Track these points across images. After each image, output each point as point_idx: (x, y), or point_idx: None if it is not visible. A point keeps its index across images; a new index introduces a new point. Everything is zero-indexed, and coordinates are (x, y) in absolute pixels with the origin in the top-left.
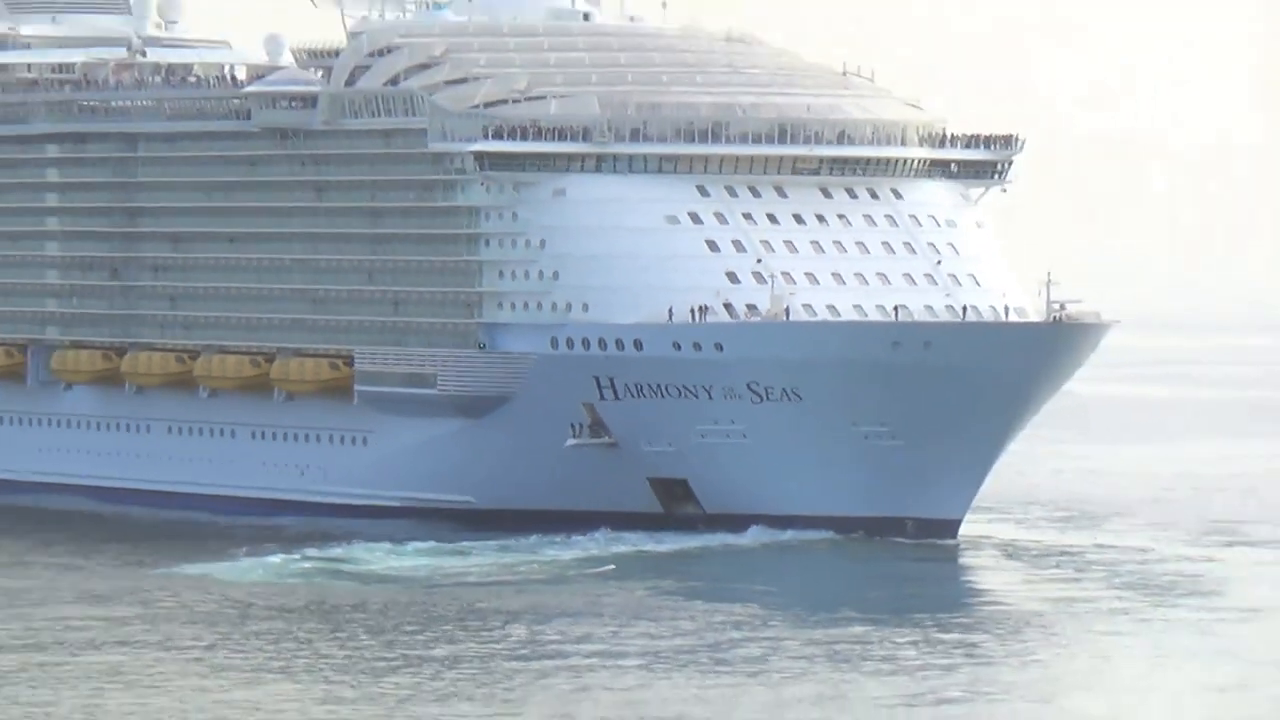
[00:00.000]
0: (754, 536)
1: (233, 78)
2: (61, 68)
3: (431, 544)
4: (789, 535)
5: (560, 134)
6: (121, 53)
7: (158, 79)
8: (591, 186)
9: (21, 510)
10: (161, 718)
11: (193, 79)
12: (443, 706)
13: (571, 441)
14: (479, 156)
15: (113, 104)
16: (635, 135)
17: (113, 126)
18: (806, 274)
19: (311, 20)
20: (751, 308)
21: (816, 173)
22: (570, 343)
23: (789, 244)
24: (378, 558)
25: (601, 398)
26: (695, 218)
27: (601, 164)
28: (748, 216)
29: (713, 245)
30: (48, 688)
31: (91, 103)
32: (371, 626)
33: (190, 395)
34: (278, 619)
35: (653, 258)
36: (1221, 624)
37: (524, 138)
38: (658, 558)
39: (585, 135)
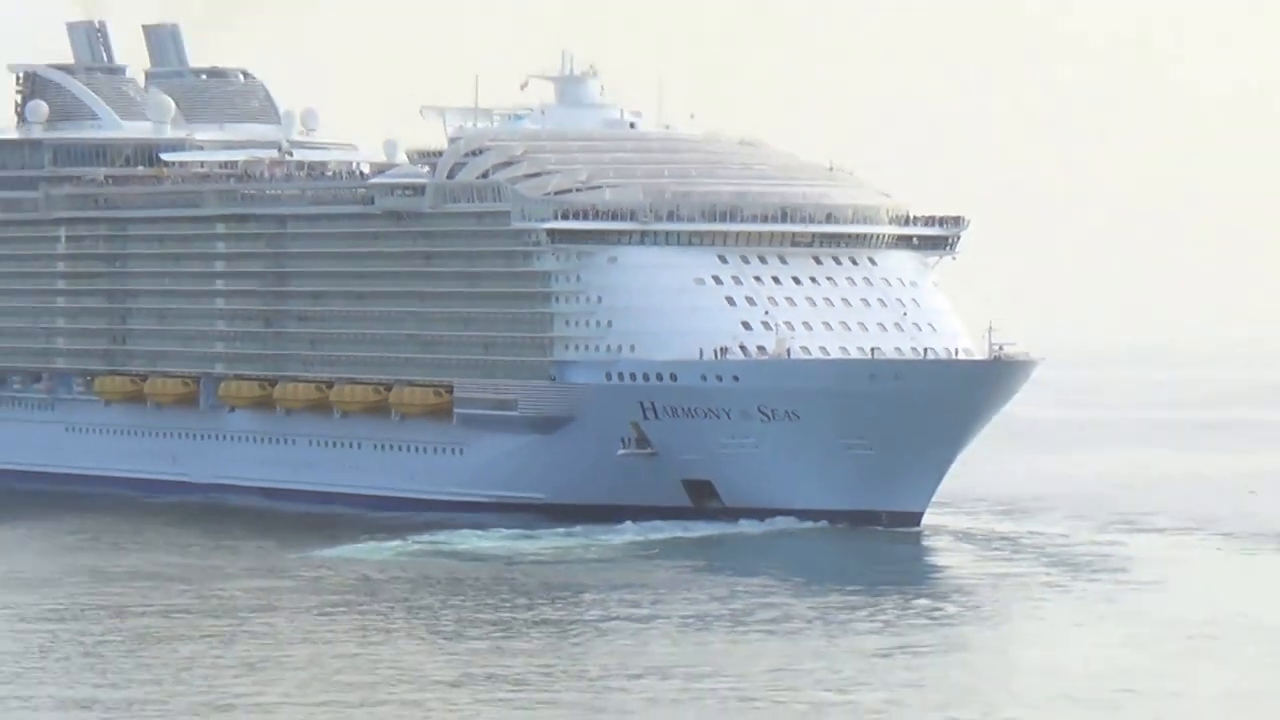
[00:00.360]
0: (763, 526)
1: (360, 172)
2: (227, 164)
3: (512, 531)
4: (790, 524)
5: (613, 215)
6: (273, 153)
7: (301, 173)
8: (636, 255)
9: (196, 507)
10: (304, 670)
11: (328, 173)
12: (528, 659)
13: (621, 451)
14: (550, 233)
15: (267, 192)
16: (670, 216)
17: (267, 209)
18: (803, 323)
19: (420, 128)
20: (760, 349)
21: (810, 245)
22: (621, 376)
23: (789, 300)
24: (470, 541)
25: (645, 418)
26: (717, 279)
27: (644, 238)
28: (757, 279)
29: (730, 300)
30: (219, 643)
31: (250, 191)
32: (467, 595)
33: (326, 416)
34: (395, 589)
35: (684, 310)
36: (1124, 593)
37: (585, 218)
38: (688, 542)
39: (632, 216)
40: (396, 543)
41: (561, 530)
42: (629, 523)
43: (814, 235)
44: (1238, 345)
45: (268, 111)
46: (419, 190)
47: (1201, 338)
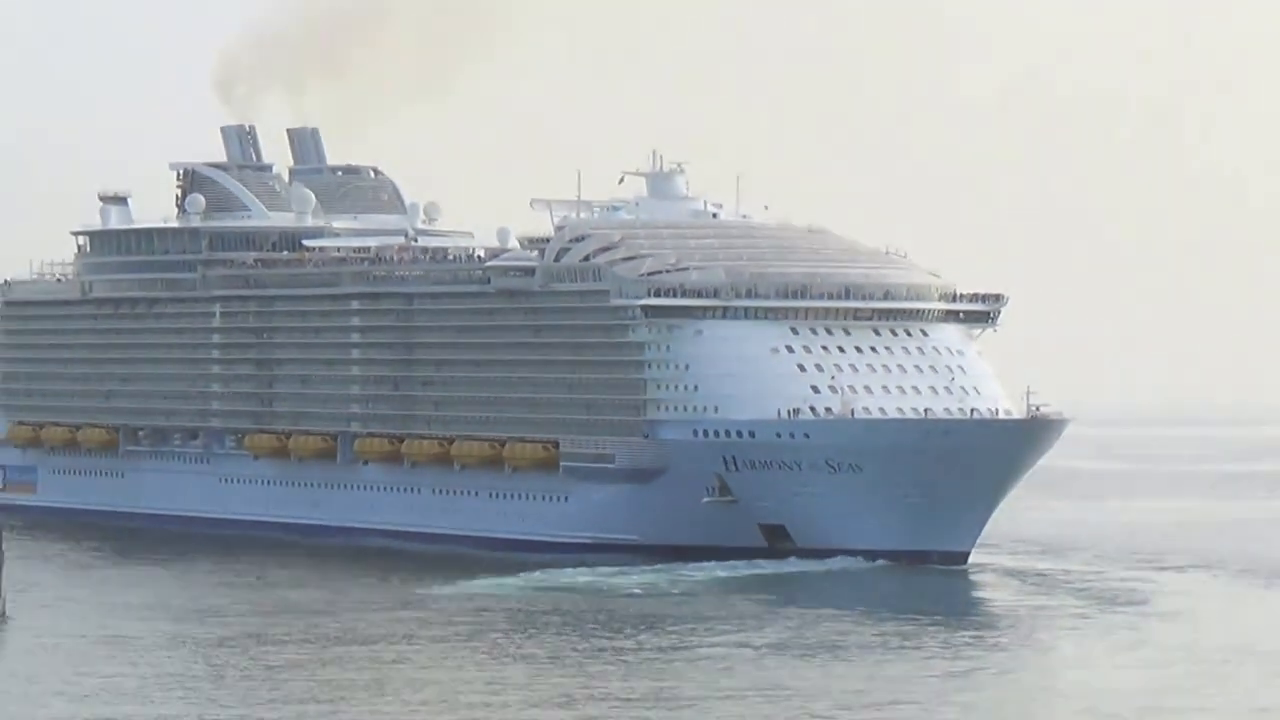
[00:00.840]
0: (829, 564)
1: (476, 256)
2: (361, 250)
3: (609, 569)
4: (852, 562)
5: (699, 293)
6: (401, 239)
7: (426, 257)
8: (719, 328)
9: (333, 548)
10: (430, 690)
11: (449, 257)
12: (627, 681)
13: (706, 499)
14: (644, 309)
15: (396, 274)
16: (749, 294)
17: (396, 289)
18: (864, 387)
19: (528, 218)
20: (828, 409)
21: (870, 319)
22: (706, 433)
23: (852, 367)
24: (572, 577)
25: (727, 469)
26: (789, 349)
27: (726, 313)
28: (824, 348)
29: (801, 367)
30: (354, 668)
31: (381, 273)
32: (572, 624)
33: (447, 468)
34: (509, 619)
35: (761, 376)
36: (1147, 623)
37: (675, 296)
38: (764, 578)
39: (715, 294)
40: (510, 579)
41: (651, 568)
42: (712, 562)
43: (873, 311)
44: (1271, 408)
45: (395, 203)
46: (530, 271)
47: (1236, 399)
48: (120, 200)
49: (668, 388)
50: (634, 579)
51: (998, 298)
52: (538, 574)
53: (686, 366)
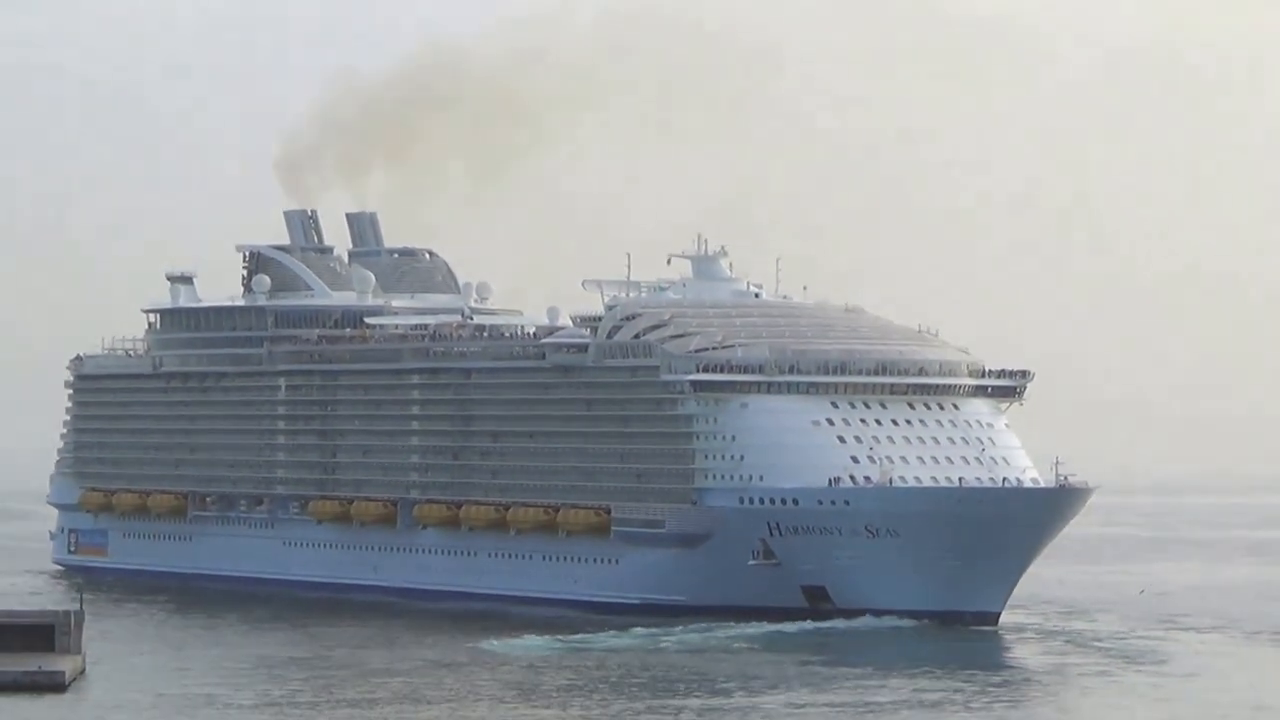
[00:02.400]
0: (867, 623)
1: (530, 333)
2: (419, 327)
3: (649, 631)
4: (890, 621)
5: (744, 369)
6: (457, 318)
7: (482, 334)
8: (764, 402)
9: (392, 607)
10: None
11: (505, 334)
12: None
13: (752, 562)
14: (693, 384)
15: (454, 350)
16: (791, 370)
17: (454, 364)
18: (900, 457)
19: (577, 298)
20: (867, 478)
21: (905, 394)
22: (751, 500)
23: (889, 438)
24: (612, 641)
25: (771, 535)
26: (830, 421)
27: (770, 388)
28: (862, 421)
29: (841, 439)
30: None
31: (440, 349)
32: (627, 681)
33: (504, 534)
34: (555, 674)
35: (803, 447)
36: (1167, 681)
37: (721, 371)
38: (806, 637)
39: (759, 370)
40: (563, 639)
41: (697, 627)
42: (762, 622)
43: (908, 386)
44: None
45: (449, 283)
46: (583, 348)
47: (1262, 469)
48: (186, 280)
49: (715, 457)
50: (674, 638)
51: (1024, 374)
52: (581, 635)
53: (733, 438)
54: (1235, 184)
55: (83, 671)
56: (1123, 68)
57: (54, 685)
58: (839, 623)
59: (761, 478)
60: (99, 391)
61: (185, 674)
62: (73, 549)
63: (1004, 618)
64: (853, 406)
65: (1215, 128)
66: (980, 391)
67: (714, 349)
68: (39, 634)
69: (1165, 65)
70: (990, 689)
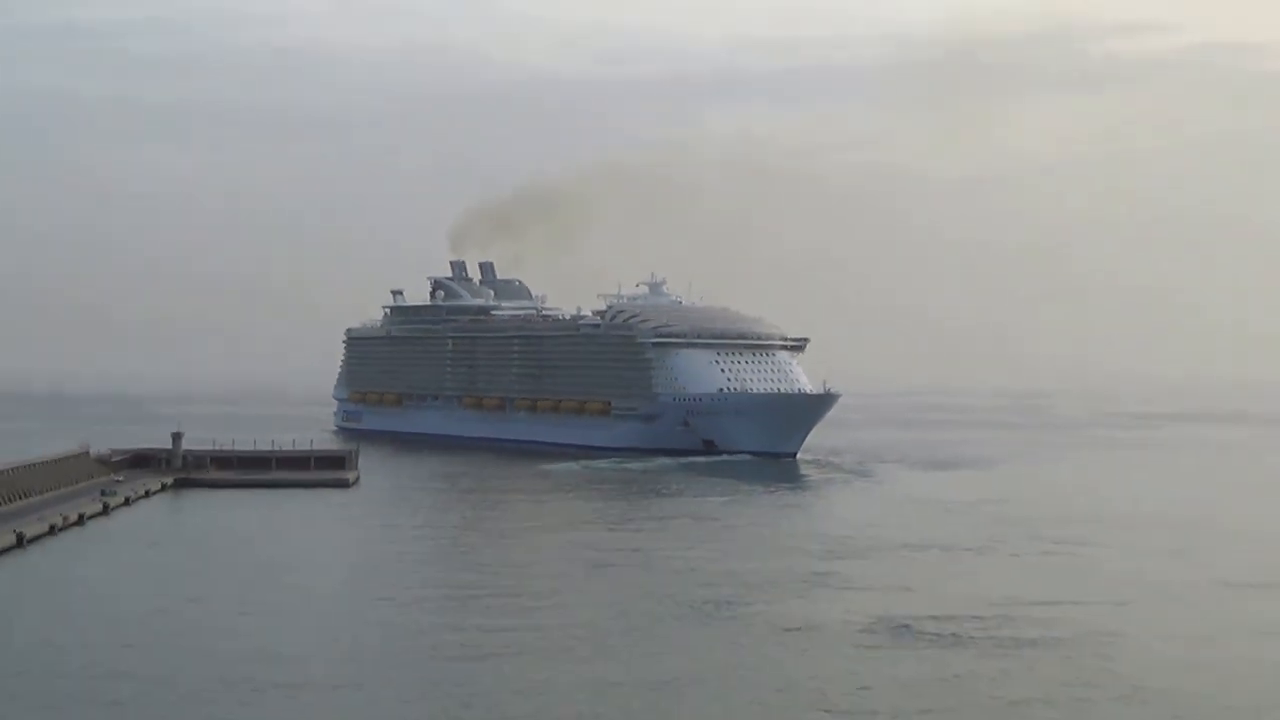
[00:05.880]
0: (729, 458)
1: (569, 318)
2: (514, 316)
3: (632, 461)
4: (743, 457)
5: (676, 336)
6: (533, 311)
7: (545, 319)
8: (686, 353)
9: (501, 448)
10: (545, 509)
11: (557, 319)
12: (627, 503)
13: (679, 428)
14: (653, 344)
15: (530, 326)
16: (698, 337)
17: (531, 333)
18: (748, 379)
19: (594, 301)
20: (734, 389)
21: (750, 348)
22: (679, 399)
23: (743, 370)
24: (613, 464)
25: (689, 415)
26: (716, 362)
27: (688, 345)
28: (732, 362)
29: (722, 370)
30: (509, 502)
31: (523, 326)
32: (615, 483)
33: (557, 414)
34: (580, 479)
35: (704, 374)
36: (877, 485)
37: (665, 337)
38: (701, 464)
39: (683, 337)
40: (580, 463)
41: (649, 460)
42: (678, 458)
43: (751, 345)
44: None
45: (527, 294)
46: (597, 325)
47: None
48: (399, 292)
49: (662, 379)
50: (640, 465)
51: (805, 339)
52: (596, 462)
53: (671, 369)
54: None
55: (358, 478)
56: None
57: (344, 484)
58: (720, 457)
59: (685, 388)
60: (359, 345)
61: (404, 477)
62: (344, 421)
63: (799, 456)
64: (727, 354)
65: None
66: (785, 347)
67: (661, 326)
68: (336, 460)
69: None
70: (788, 484)
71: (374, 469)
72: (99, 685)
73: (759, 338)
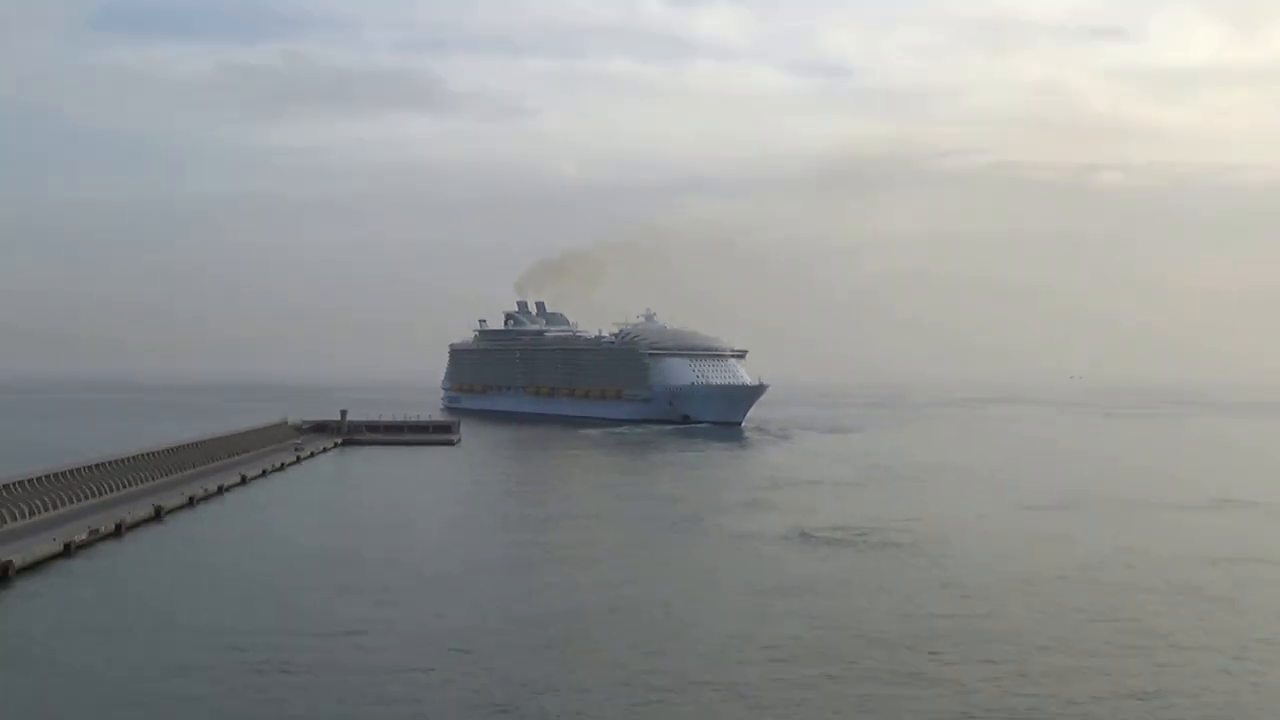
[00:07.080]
0: (698, 426)
1: (594, 337)
2: (558, 337)
3: (635, 428)
4: (706, 426)
5: (665, 349)
6: (571, 333)
7: (578, 338)
8: (671, 360)
9: (552, 420)
10: (577, 463)
11: (587, 338)
12: (632, 458)
13: (666, 406)
14: (649, 354)
15: (568, 343)
16: (680, 348)
17: (568, 348)
18: (709, 376)
19: (611, 326)
20: (702, 383)
21: (712, 357)
22: (666, 389)
23: (708, 370)
24: (624, 430)
25: (672, 397)
26: (691, 367)
27: (673, 355)
28: (701, 366)
29: (695, 371)
30: (556, 456)
31: (564, 343)
32: (623, 444)
33: (589, 397)
34: (606, 441)
35: (683, 373)
36: (799, 445)
37: (658, 350)
38: (680, 430)
39: (669, 349)
40: (602, 429)
41: (645, 428)
42: (666, 426)
43: (712, 354)
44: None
45: (566, 323)
46: (613, 342)
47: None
48: (484, 320)
49: (655, 377)
50: (640, 430)
51: (744, 351)
52: (614, 429)
53: (661, 371)
54: None
55: (460, 439)
56: None
57: (451, 444)
58: (694, 425)
59: (669, 382)
60: (458, 354)
61: (489, 439)
62: (449, 403)
63: (743, 425)
64: (696, 360)
65: None
66: (733, 355)
67: (654, 343)
68: (445, 427)
69: None
70: (736, 443)
71: (470, 434)
72: (340, 532)
73: (717, 350)
